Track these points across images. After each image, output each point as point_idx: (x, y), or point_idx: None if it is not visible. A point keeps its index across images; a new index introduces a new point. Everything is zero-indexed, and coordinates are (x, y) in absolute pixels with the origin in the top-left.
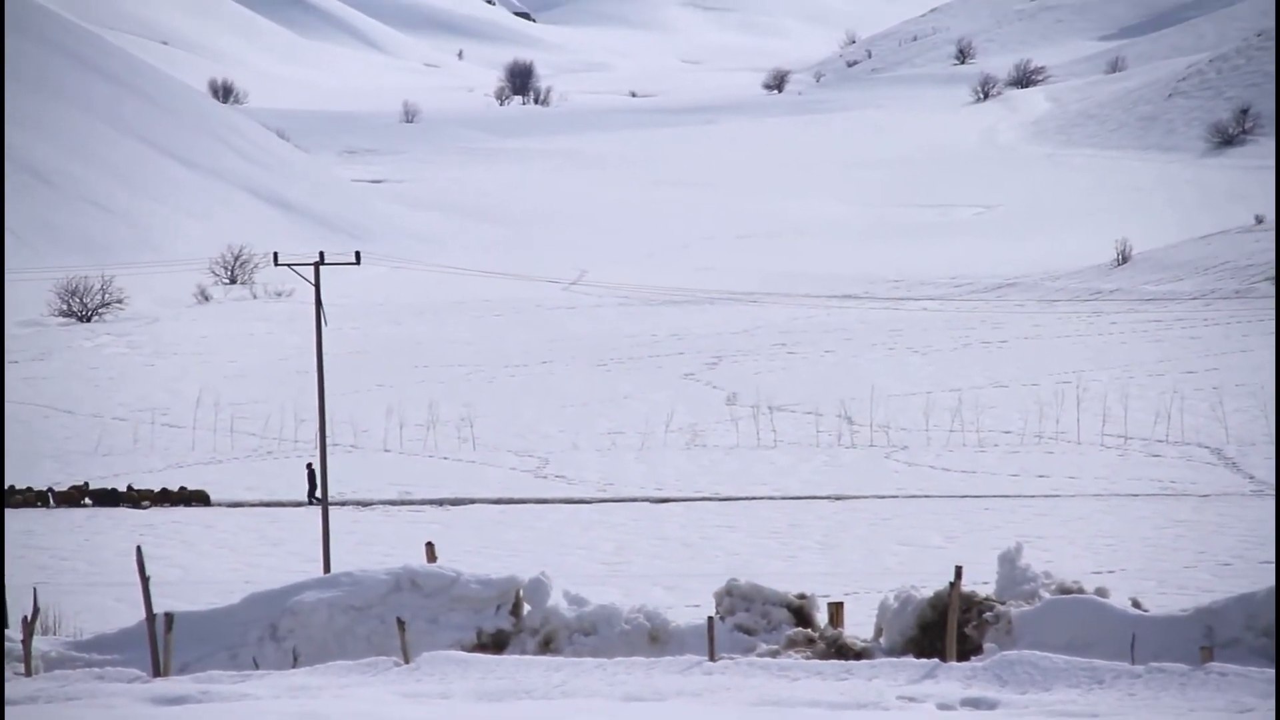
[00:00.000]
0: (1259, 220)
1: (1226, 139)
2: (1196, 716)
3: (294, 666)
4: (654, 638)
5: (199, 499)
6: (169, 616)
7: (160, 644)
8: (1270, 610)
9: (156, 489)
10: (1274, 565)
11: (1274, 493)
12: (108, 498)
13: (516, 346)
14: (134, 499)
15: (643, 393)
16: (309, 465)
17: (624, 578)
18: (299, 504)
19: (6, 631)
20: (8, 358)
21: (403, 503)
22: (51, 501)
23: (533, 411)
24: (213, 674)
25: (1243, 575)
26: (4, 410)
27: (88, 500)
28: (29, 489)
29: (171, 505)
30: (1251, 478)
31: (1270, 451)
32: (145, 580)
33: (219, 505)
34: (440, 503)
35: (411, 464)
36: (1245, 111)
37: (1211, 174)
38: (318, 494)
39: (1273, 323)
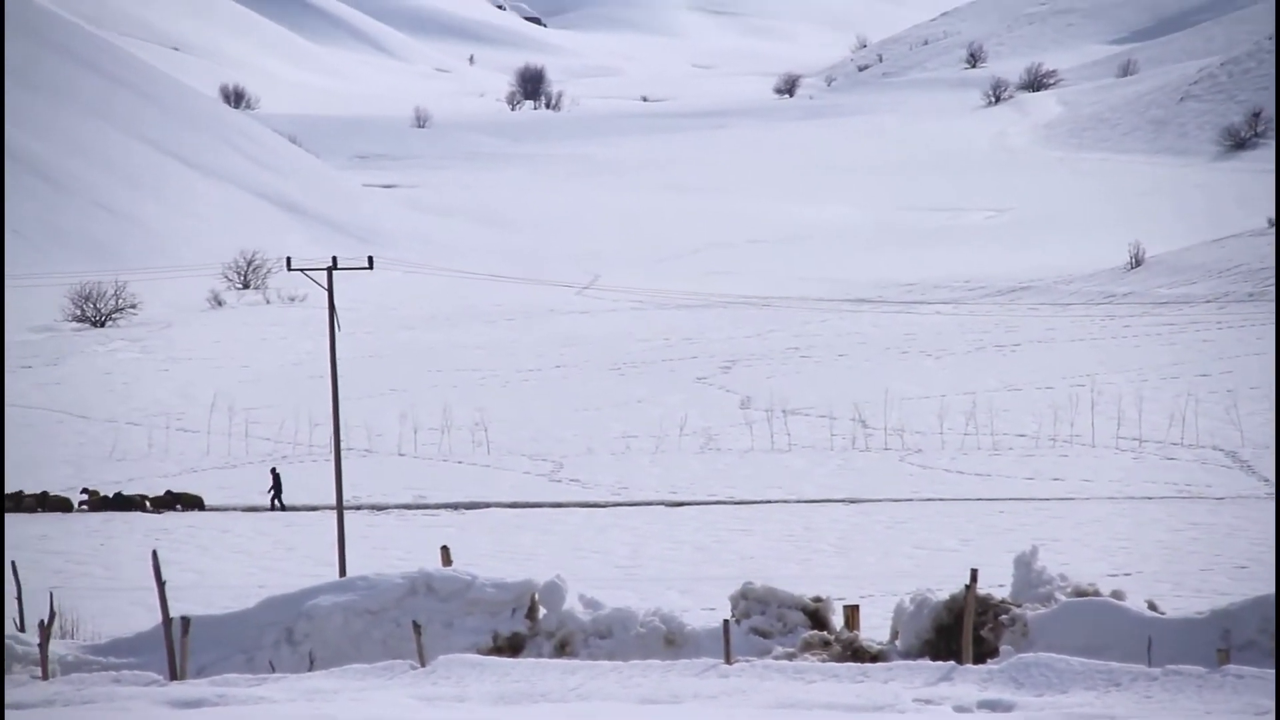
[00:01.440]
0: (1271, 223)
1: (1238, 142)
2: (1213, 719)
3: (310, 670)
4: (669, 641)
5: (193, 503)
6: (185, 620)
7: (176, 647)
8: None
9: (153, 495)
10: (1274, 567)
11: (1275, 494)
12: (107, 503)
13: (529, 351)
14: (138, 504)
15: (656, 397)
16: (273, 470)
17: (639, 581)
18: (314, 509)
19: (23, 635)
20: (22, 363)
21: (418, 507)
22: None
23: (547, 416)
24: (229, 677)
25: (1258, 578)
26: (3, 414)
27: (83, 505)
28: (43, 494)
29: (167, 510)
30: (1266, 480)
31: None
32: (161, 584)
33: (234, 510)
34: (455, 506)
35: (426, 468)
36: (1257, 115)
37: (1224, 177)
38: (281, 499)
39: None
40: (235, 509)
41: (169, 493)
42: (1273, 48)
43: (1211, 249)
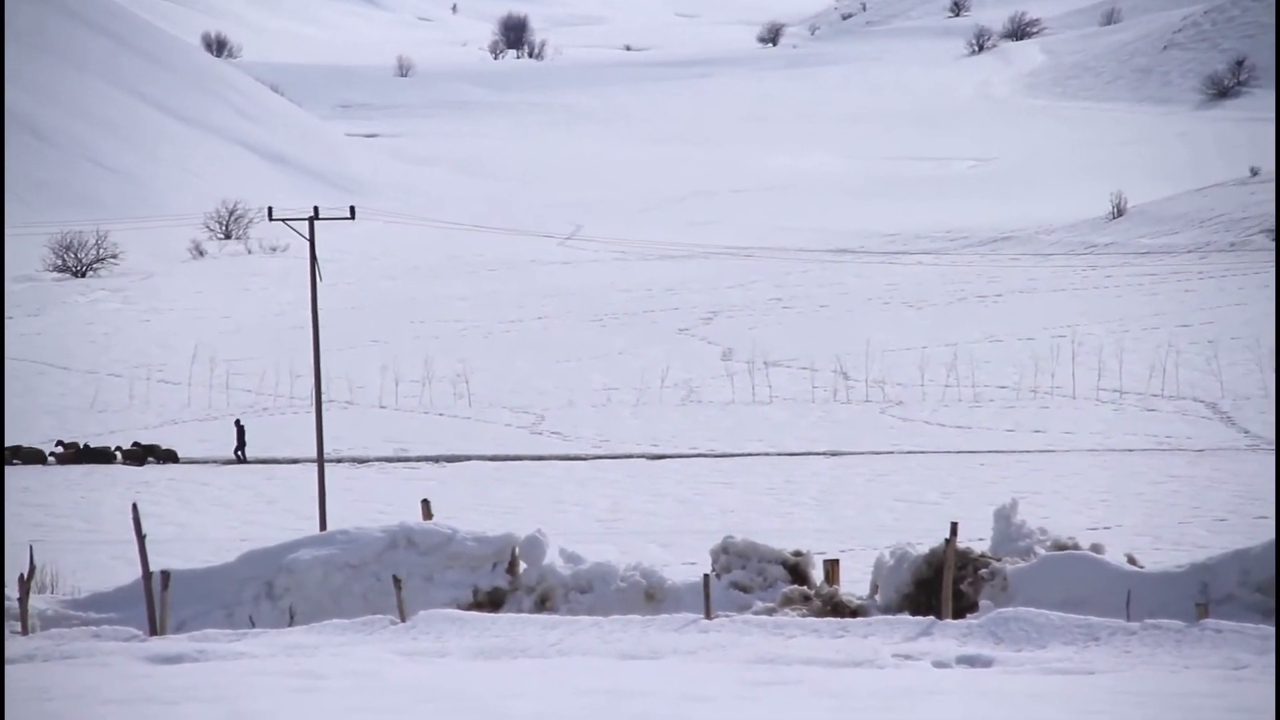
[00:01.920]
0: (1254, 172)
1: (1221, 91)
2: (1192, 673)
3: (290, 625)
4: (650, 595)
5: (166, 456)
6: (165, 575)
7: (156, 602)
8: (1265, 566)
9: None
10: (1273, 520)
11: (1270, 447)
12: (78, 455)
13: (511, 302)
14: (109, 455)
15: (638, 348)
16: (237, 421)
17: (620, 535)
18: (294, 461)
19: (4, 590)
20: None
21: (398, 460)
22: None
23: (528, 367)
24: (209, 632)
25: (1238, 531)
26: (3, 370)
27: (52, 455)
28: (16, 446)
29: (138, 462)
30: (1246, 432)
31: (1265, 405)
32: (141, 538)
33: (212, 463)
34: (436, 459)
35: (407, 420)
36: (1240, 63)
37: (1206, 126)
38: (243, 451)
39: (1266, 275)
40: (215, 461)
41: (137, 444)
42: None
43: (1194, 198)
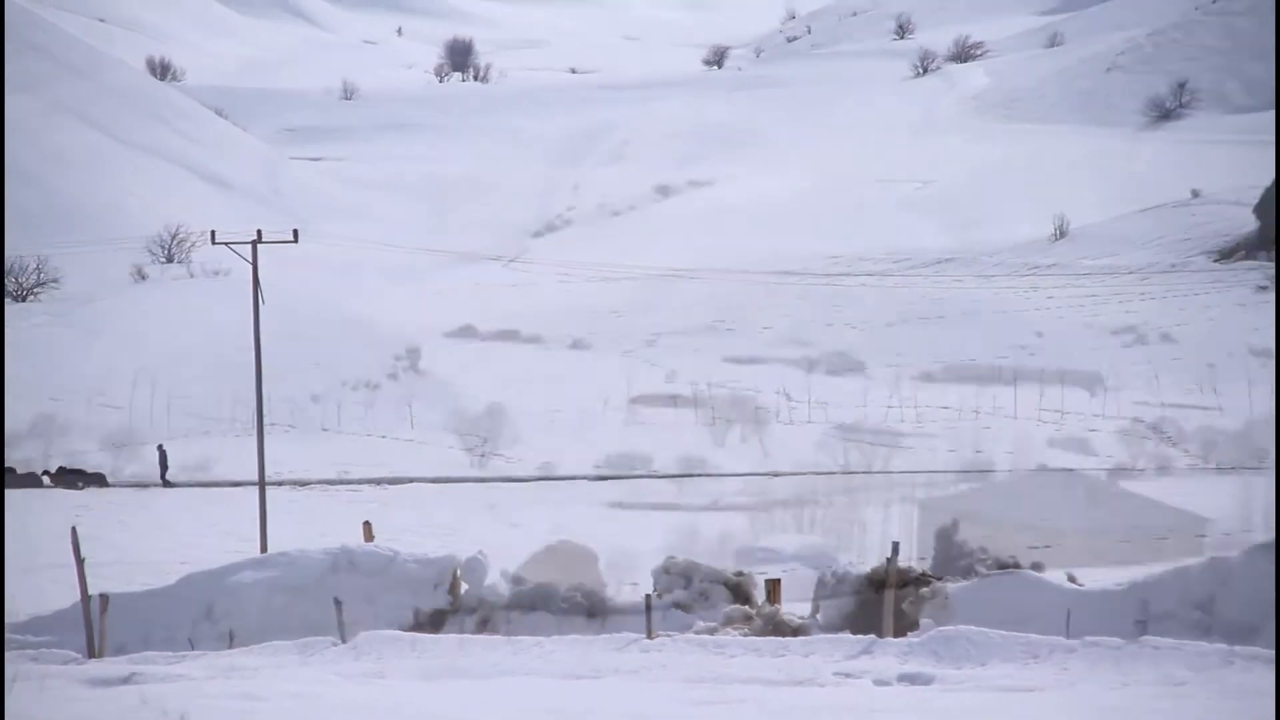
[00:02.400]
0: (1195, 194)
1: (1164, 114)
2: (1130, 689)
3: (230, 647)
4: (591, 615)
5: (94, 479)
6: (104, 598)
7: (95, 625)
8: (1204, 584)
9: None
10: (1209, 539)
11: (1207, 467)
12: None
13: (455, 324)
14: (35, 479)
15: (582, 370)
16: (160, 446)
17: (561, 556)
18: (237, 484)
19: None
20: None
21: (341, 482)
22: None
23: (472, 390)
24: (148, 655)
25: (1178, 549)
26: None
27: None
28: None
29: (67, 486)
30: (1186, 451)
31: (1204, 426)
32: (80, 562)
33: (152, 486)
34: (378, 482)
35: (350, 443)
36: (1182, 86)
37: (1148, 149)
38: (169, 475)
39: (1207, 296)
40: (153, 485)
41: (62, 468)
42: (1199, 18)
43: (1136, 220)
